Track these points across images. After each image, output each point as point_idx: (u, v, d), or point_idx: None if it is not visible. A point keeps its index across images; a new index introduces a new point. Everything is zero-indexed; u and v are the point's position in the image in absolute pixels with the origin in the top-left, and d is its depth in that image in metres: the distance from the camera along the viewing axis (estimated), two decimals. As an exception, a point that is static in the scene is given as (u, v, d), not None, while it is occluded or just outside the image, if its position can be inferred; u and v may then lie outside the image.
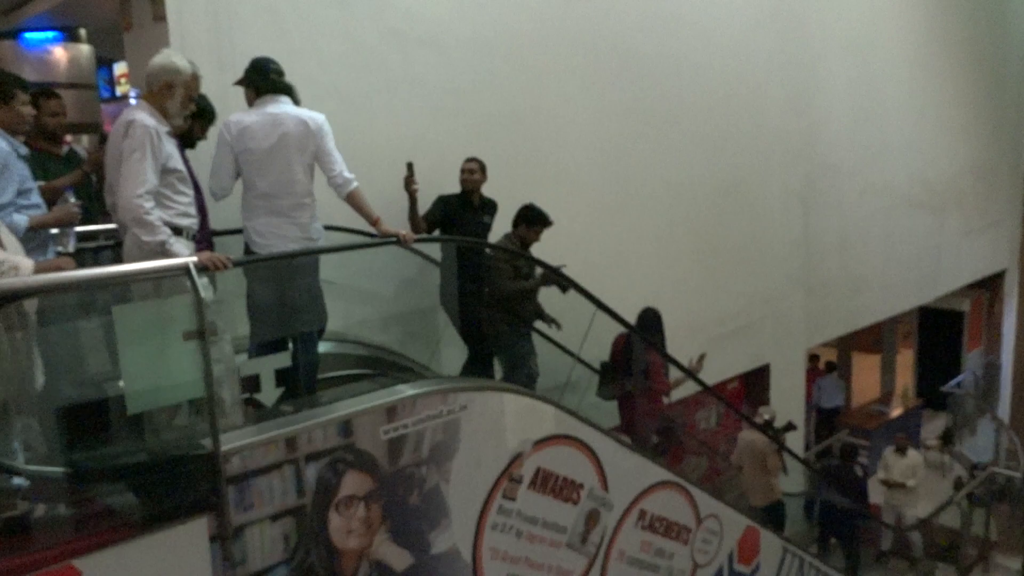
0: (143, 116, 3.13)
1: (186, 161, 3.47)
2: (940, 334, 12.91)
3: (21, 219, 3.15)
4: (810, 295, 8.86)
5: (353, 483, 3.22)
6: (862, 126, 9.54)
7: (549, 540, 4.07)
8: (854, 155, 9.42)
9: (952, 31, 11.11)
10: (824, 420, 11.20)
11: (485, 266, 4.90)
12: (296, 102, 3.85)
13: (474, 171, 4.99)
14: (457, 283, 4.81)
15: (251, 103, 3.87)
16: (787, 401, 8.45)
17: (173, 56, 3.29)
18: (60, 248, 3.29)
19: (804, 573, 6.08)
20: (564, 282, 4.79)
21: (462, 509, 3.64)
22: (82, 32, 6.08)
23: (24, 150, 3.37)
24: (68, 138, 4.38)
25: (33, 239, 3.20)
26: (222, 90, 4.04)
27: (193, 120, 3.64)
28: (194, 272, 2.72)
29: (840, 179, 9.25)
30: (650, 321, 5.69)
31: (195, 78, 3.34)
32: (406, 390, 3.47)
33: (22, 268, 2.60)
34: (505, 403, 3.84)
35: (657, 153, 6.99)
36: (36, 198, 3.34)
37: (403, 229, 3.86)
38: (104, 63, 6.60)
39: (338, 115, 4.00)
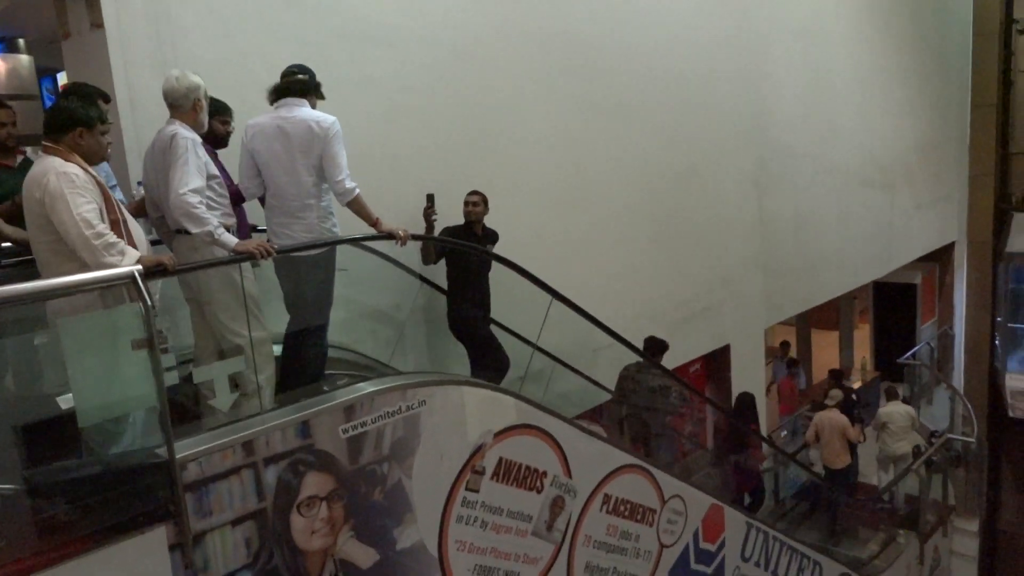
0: (182, 130, 3.43)
1: (220, 164, 3.82)
2: (895, 307, 13.27)
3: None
4: (768, 275, 9.05)
5: (314, 483, 3.24)
6: (812, 108, 9.74)
7: (515, 529, 4.13)
8: (805, 137, 9.62)
9: (895, 11, 11.38)
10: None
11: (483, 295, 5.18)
12: (314, 99, 3.95)
13: (477, 203, 5.23)
14: (466, 307, 5.11)
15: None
16: (748, 379, 8.64)
17: (190, 76, 3.52)
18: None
19: (769, 547, 6.23)
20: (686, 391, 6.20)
21: (426, 503, 3.68)
22: (21, 42, 5.94)
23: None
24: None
25: None
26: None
27: (210, 119, 3.77)
28: (140, 280, 2.71)
29: (793, 161, 9.45)
30: (746, 405, 7.58)
31: (205, 89, 3.58)
32: (363, 388, 3.49)
33: (128, 256, 2.87)
34: (465, 396, 3.88)
35: (612, 141, 7.07)
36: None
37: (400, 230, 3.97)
38: (47, 73, 6.44)
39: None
